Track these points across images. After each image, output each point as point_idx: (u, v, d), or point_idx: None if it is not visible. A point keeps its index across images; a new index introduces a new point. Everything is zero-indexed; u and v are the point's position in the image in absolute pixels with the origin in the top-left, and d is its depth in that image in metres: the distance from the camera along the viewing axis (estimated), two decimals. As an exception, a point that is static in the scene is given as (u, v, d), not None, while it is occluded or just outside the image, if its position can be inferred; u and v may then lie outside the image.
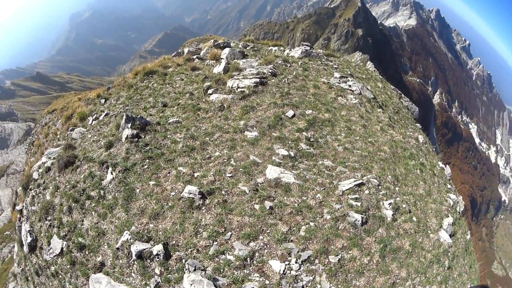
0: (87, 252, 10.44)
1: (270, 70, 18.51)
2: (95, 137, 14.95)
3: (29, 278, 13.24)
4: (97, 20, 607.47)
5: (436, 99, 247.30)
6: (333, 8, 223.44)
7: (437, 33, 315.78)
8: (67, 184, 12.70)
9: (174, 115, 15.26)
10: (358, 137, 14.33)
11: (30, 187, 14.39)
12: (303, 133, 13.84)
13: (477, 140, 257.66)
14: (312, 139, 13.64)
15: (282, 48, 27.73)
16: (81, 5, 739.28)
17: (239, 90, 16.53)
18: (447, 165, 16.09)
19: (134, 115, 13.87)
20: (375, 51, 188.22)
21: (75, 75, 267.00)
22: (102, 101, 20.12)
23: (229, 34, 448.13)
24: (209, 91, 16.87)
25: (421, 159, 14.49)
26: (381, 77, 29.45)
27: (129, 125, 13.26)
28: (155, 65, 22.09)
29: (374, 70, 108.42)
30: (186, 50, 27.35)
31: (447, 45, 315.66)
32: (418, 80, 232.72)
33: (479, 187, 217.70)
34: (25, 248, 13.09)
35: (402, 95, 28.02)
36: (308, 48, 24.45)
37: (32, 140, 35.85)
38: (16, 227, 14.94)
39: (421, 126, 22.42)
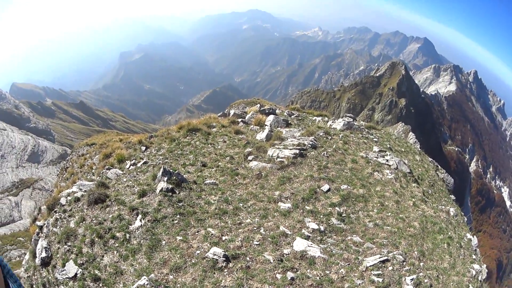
0: (100, 285, 10.54)
1: (311, 142, 18.92)
2: (130, 182, 15.28)
3: (34, 287, 13.35)
4: (147, 64, 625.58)
5: (472, 166, 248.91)
6: (378, 76, 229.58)
7: (475, 97, 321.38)
8: (94, 219, 12.95)
9: (212, 177, 15.64)
10: (389, 213, 14.30)
11: (55, 209, 14.67)
12: (336, 208, 13.86)
13: (508, 203, 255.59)
14: (344, 215, 13.63)
15: (326, 118, 28.45)
16: (131, 45, 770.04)
17: (278, 160, 16.89)
18: (474, 236, 15.76)
19: (171, 170, 14.24)
20: (417, 120, 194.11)
21: (120, 114, 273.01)
22: (143, 148, 20.50)
23: (276, 99, 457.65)
24: (249, 158, 17.32)
25: (449, 233, 14.31)
26: (419, 150, 29.60)
27: (165, 178, 13.63)
28: (199, 123, 22.81)
29: (415, 142, 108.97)
30: (232, 111, 28.17)
31: (484, 108, 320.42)
32: (456, 149, 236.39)
33: (506, 249, 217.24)
34: (37, 261, 13.31)
35: (439, 167, 27.90)
36: (351, 119, 25.08)
37: (66, 166, 36.79)
38: (33, 239, 15.17)
39: (454, 198, 22.45)
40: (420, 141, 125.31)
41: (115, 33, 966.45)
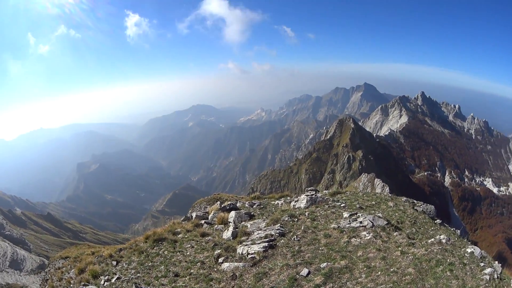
0: None
1: (278, 231, 19.00)
2: (107, 300, 14.90)
3: None
4: (104, 174, 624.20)
5: (447, 180, 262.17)
6: (329, 139, 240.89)
7: (429, 117, 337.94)
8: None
9: (187, 286, 15.40)
10: (379, 272, 14.07)
11: None
12: (322, 288, 13.65)
13: (495, 190, 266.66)
14: (332, 292, 13.39)
15: (288, 198, 28.60)
16: (86, 155, 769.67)
17: (249, 256, 16.81)
18: (475, 247, 15.72)
19: (143, 286, 14.24)
20: (379, 165, 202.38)
21: (88, 226, 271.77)
22: (114, 263, 20.37)
23: (236, 189, 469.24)
24: (220, 260, 17.19)
25: (448, 260, 14.27)
26: (390, 195, 29.91)
27: None
28: (164, 231, 23.01)
29: (383, 186, 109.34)
30: (194, 214, 28.00)
31: (441, 123, 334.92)
32: (425, 174, 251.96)
33: (510, 227, 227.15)
34: None
35: (415, 202, 27.81)
36: (313, 193, 25.30)
37: (46, 277, 36.55)
38: None
39: (440, 221, 22.84)
40: (388, 183, 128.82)
41: (68, 142, 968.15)
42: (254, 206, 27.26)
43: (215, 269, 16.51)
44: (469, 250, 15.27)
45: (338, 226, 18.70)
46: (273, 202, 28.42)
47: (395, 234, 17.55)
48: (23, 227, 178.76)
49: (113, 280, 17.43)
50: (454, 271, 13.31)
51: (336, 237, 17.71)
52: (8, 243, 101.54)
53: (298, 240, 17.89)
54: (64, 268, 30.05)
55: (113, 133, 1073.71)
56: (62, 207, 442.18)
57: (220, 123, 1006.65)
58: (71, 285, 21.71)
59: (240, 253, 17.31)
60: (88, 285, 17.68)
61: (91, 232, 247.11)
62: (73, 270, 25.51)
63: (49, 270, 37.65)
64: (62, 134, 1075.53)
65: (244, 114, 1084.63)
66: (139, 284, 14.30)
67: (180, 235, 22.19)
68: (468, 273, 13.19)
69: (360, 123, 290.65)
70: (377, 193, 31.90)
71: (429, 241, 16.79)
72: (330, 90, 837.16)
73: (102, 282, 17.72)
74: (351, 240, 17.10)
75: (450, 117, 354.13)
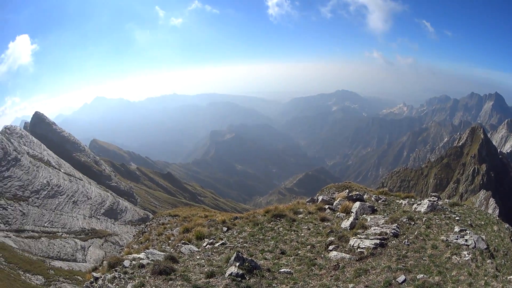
0: None
1: (393, 231, 18.21)
2: (202, 261, 15.01)
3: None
4: (238, 145, 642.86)
5: None
6: (460, 146, 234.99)
7: None
8: (154, 287, 12.60)
9: (289, 265, 15.10)
10: None
11: (116, 268, 14.35)
12: (408, 300, 12.87)
13: None
14: (415, 306, 12.63)
15: (412, 200, 27.50)
16: (222, 124, 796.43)
17: (358, 250, 16.21)
18: None
19: (245, 256, 13.80)
20: (497, 184, 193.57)
21: (209, 191, 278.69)
22: (225, 229, 20.36)
23: (368, 181, 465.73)
24: (330, 247, 16.73)
25: None
26: (497, 219, 28.10)
27: (238, 264, 13.14)
28: (286, 208, 22.90)
29: (495, 208, 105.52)
30: (320, 198, 27.85)
31: None
32: None
33: None
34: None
35: None
36: (435, 200, 24.40)
37: (144, 230, 38.02)
38: (84, 285, 15.00)
39: None
40: (499, 204, 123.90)
41: (204, 110, 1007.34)
42: (379, 201, 26.91)
43: (322, 256, 16.10)
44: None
45: (447, 239, 17.50)
46: (397, 201, 27.77)
47: (488, 261, 16.14)
48: (134, 181, 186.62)
49: (216, 245, 17.41)
50: None
51: (441, 250, 16.60)
52: (111, 193, 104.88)
53: (408, 244, 17.08)
54: (168, 225, 31.54)
55: (253, 106, 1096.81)
56: (185, 168, 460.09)
57: (363, 112, 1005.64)
58: (170, 241, 22.00)
59: (351, 245, 16.77)
60: (187, 244, 17.70)
61: (211, 197, 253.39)
62: (178, 228, 26.21)
63: (150, 224, 39.12)
64: (198, 101, 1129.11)
65: (385, 105, 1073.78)
66: (241, 253, 13.79)
67: (300, 215, 22.13)
68: None
69: (488, 135, 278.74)
70: (488, 213, 30.15)
71: (509, 277, 15.70)
72: (466, 94, 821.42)
73: (204, 244, 17.72)
74: (452, 257, 15.91)
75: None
